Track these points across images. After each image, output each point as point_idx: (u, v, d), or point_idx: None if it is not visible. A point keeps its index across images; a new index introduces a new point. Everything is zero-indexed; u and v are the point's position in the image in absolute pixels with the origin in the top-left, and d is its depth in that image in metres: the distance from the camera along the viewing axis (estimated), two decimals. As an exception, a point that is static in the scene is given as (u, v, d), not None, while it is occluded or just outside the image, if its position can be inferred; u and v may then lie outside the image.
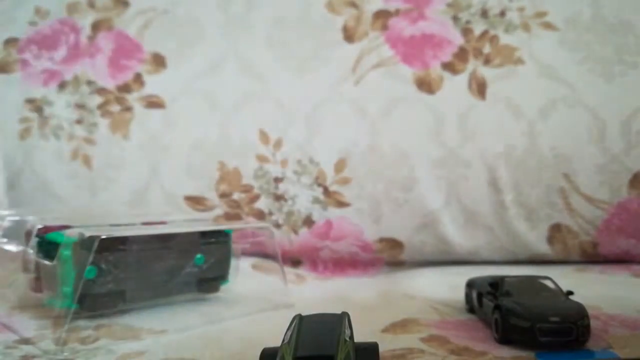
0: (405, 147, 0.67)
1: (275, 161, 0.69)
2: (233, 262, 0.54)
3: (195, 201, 0.71)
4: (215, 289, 0.53)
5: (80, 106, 0.74)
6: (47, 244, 0.45)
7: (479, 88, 0.68)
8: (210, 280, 0.52)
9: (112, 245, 0.44)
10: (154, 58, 0.74)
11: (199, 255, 0.51)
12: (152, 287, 0.48)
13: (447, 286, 0.56)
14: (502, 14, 0.70)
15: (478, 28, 0.70)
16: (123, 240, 0.45)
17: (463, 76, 0.68)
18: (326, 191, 0.68)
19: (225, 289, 0.55)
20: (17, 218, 0.49)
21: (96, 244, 0.41)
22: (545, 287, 0.45)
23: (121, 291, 0.46)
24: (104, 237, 0.42)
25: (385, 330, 0.44)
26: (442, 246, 0.68)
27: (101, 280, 0.44)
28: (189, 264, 0.50)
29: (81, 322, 0.45)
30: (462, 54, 0.69)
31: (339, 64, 0.71)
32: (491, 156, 0.66)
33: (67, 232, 0.44)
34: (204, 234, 0.51)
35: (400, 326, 0.45)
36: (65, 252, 0.43)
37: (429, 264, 0.67)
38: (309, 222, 0.69)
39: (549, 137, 0.66)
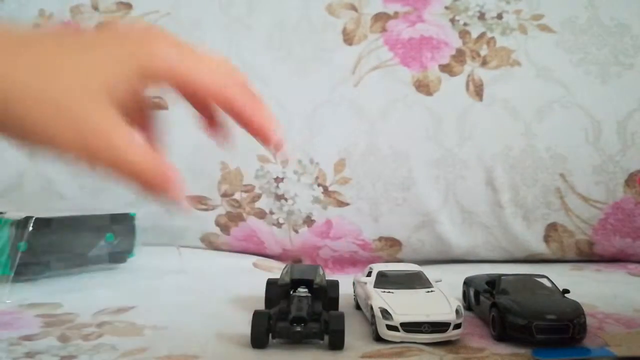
0: (403, 148, 0.68)
1: (276, 161, 0.70)
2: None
3: (197, 200, 0.71)
4: (123, 260, 0.64)
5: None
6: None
7: (476, 89, 0.68)
8: (119, 253, 0.63)
9: (39, 226, 0.56)
10: (156, 59, 0.75)
11: (109, 234, 0.62)
12: (72, 258, 0.60)
13: (445, 284, 0.57)
14: (499, 16, 0.71)
15: (475, 30, 0.70)
16: (47, 221, 0.57)
17: (460, 78, 0.69)
18: (326, 191, 0.69)
19: (230, 288, 0.57)
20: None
21: (30, 223, 0.54)
22: (542, 285, 0.45)
23: (47, 261, 0.58)
24: (34, 218, 0.55)
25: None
26: (440, 245, 0.69)
27: (31, 253, 0.55)
28: (101, 240, 0.62)
29: (83, 320, 0.46)
30: (459, 56, 0.69)
31: (339, 66, 0.71)
32: (488, 156, 0.67)
33: (5, 216, 0.56)
34: (113, 217, 0.63)
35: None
36: (2, 231, 0.55)
37: (427, 262, 0.67)
38: (309, 221, 0.70)
39: (545, 138, 0.66)
